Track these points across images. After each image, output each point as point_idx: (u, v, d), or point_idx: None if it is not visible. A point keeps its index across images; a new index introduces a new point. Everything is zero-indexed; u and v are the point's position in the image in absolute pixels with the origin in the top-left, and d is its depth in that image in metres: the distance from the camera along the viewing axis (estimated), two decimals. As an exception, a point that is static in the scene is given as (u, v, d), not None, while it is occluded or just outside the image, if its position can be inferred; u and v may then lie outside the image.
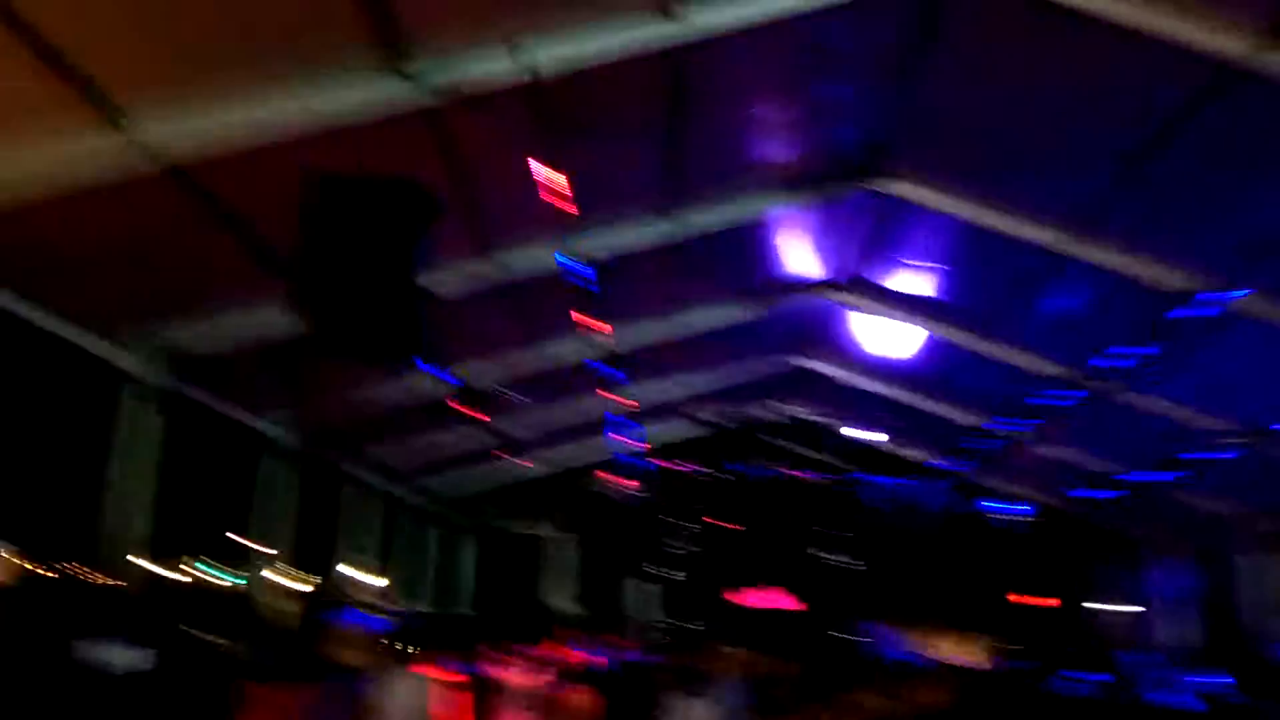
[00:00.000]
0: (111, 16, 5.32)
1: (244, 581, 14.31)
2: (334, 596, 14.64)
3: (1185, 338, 8.84)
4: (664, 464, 16.96)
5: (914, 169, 8.69)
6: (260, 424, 11.82)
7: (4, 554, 5.44)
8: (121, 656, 7.01)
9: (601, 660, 10.60)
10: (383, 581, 16.70)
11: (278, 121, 6.18)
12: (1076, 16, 5.93)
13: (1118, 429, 12.03)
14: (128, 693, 6.88)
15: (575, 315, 10.13)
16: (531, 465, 16.38)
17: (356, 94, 6.17)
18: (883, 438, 15.10)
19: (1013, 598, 16.61)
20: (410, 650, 7.60)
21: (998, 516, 15.63)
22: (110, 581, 8.95)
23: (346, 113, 6.22)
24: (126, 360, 8.91)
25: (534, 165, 7.23)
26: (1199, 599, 15.03)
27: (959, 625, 16.50)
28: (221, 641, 10.88)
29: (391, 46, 5.99)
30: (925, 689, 6.38)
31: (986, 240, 9.12)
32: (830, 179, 8.99)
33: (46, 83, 5.41)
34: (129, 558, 9.18)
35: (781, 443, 17.11)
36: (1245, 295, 8.17)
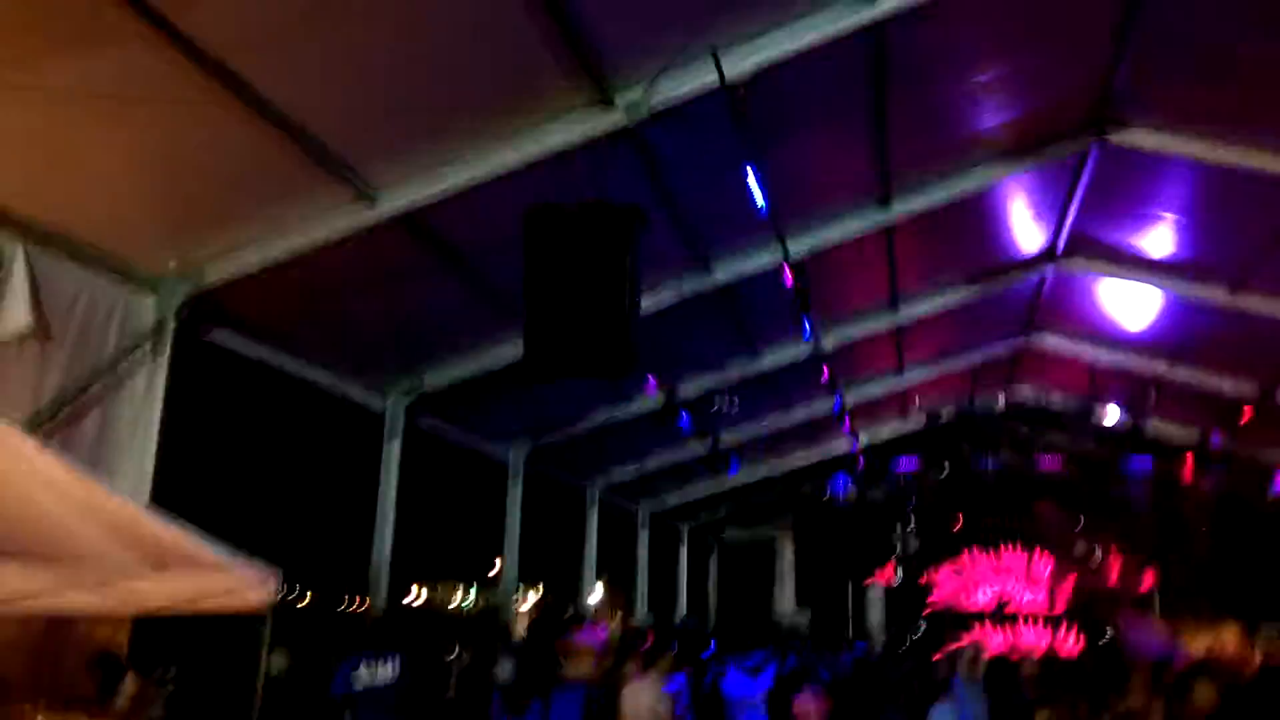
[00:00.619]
0: (349, 99, 5.84)
1: (492, 602, 15.10)
2: (572, 612, 15.21)
3: None
4: (889, 463, 16.41)
5: (1150, 113, 7.97)
6: (499, 452, 12.43)
7: (270, 577, 5.85)
8: (379, 673, 7.50)
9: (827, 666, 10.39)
10: (610, 594, 17.22)
11: (499, 171, 6.57)
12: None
13: None
14: (386, 706, 7.37)
15: (788, 315, 10.02)
16: (747, 472, 16.31)
17: (567, 130, 6.45)
18: (1133, 416, 13.90)
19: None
20: (641, 659, 7.77)
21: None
22: (369, 607, 9.63)
23: (559, 149, 6.51)
24: (377, 402, 9.62)
25: (739, 171, 7.22)
26: None
27: (1236, 617, 14.94)
28: (469, 656, 11.53)
29: (596, 80, 6.22)
30: (1197, 689, 5.73)
31: (1239, 183, 8.25)
32: (1055, 139, 8.42)
33: (297, 161, 6.01)
34: (389, 584, 9.79)
35: (1017, 431, 16.17)
36: None
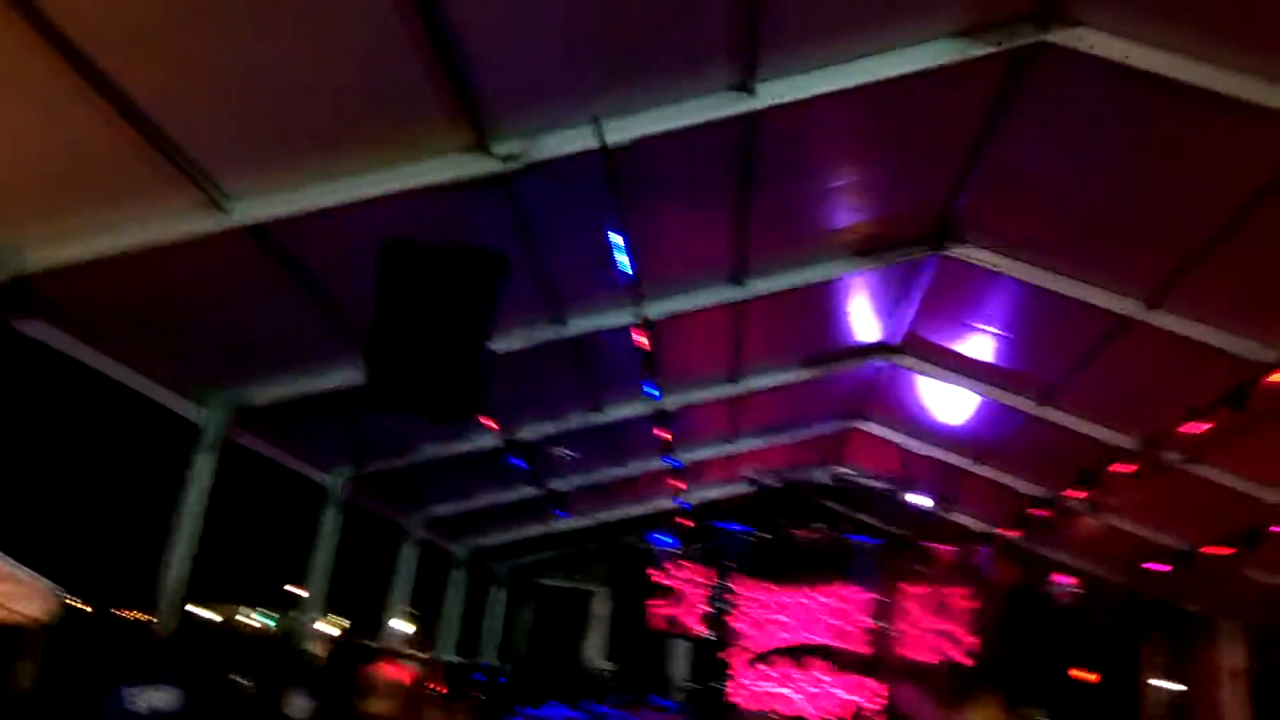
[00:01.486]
0: (214, 104, 5.59)
1: (290, 628, 14.36)
2: (375, 646, 14.65)
3: (1257, 410, 8.61)
4: (711, 524, 16.81)
5: (987, 234, 8.65)
6: (318, 476, 11.95)
7: (49, 591, 5.48)
8: (157, 698, 7.07)
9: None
10: (416, 630, 16.76)
11: (364, 198, 6.39)
12: (1161, 83, 5.90)
13: (1181, 501, 11.72)
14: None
15: (634, 374, 10.18)
16: (573, 520, 16.38)
17: (440, 169, 6.37)
18: (938, 504, 14.79)
19: (1071, 673, 16.14)
20: (446, 700, 7.58)
21: (1053, 588, 15.16)
22: (155, 623, 9.02)
23: (429, 186, 6.41)
24: (195, 413, 9.08)
25: (605, 232, 7.33)
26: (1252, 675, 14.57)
27: (1004, 697, 16.06)
28: (258, 685, 10.91)
29: (476, 125, 6.18)
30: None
31: (1054, 306, 9.04)
32: (901, 244, 8.98)
33: (149, 159, 5.67)
34: (181, 601, 9.24)
35: (833, 505, 16.89)
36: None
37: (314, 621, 12.94)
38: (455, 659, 16.14)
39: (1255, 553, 11.43)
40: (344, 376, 8.95)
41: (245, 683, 11.15)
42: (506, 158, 6.26)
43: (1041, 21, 5.94)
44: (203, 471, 9.20)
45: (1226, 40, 5.66)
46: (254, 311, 7.91)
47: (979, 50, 6.07)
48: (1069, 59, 6.04)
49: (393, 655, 13.31)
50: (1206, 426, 9.31)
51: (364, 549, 14.41)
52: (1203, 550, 12.22)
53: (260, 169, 6.16)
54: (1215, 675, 14.90)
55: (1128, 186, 7.23)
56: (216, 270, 7.00)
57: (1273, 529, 10.73)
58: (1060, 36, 5.96)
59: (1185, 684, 16.21)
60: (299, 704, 9.84)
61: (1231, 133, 6.17)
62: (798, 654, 16.42)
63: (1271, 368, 8.08)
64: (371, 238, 6.26)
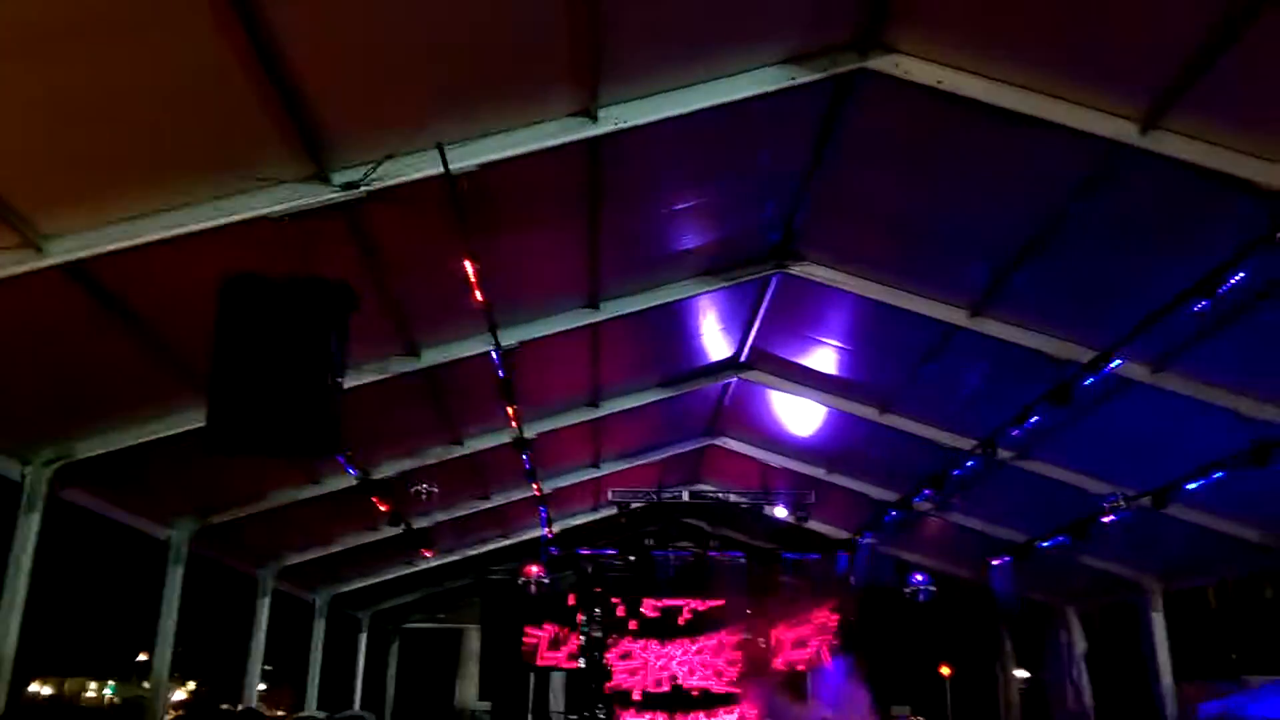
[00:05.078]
0: (23, 134, 5.25)
1: (137, 697, 13.40)
2: (233, 707, 13.86)
3: (1080, 405, 9.26)
4: (579, 550, 16.73)
5: (825, 251, 9.05)
6: (159, 531, 11.26)
7: None
8: None
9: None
10: (279, 686, 16.00)
11: (193, 231, 6.13)
12: (972, 106, 6.32)
13: (1019, 497, 12.47)
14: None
15: (493, 404, 10.07)
16: (438, 558, 16.04)
17: (277, 200, 6.17)
18: (795, 514, 15.21)
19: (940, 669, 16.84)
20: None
21: (912, 587, 15.77)
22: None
23: (266, 216, 6.19)
24: (15, 471, 8.45)
25: (453, 260, 7.25)
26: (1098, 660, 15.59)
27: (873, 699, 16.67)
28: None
29: (314, 154, 6.04)
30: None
31: (891, 318, 9.51)
32: (745, 263, 9.28)
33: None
34: (12, 678, 8.51)
35: (696, 523, 17.13)
36: (1134, 365, 8.67)
37: (164, 688, 12.16)
38: (321, 714, 15.44)
39: (1085, 542, 12.26)
40: (181, 421, 8.51)
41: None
42: (346, 185, 6.12)
43: (861, 50, 6.31)
44: (28, 534, 8.54)
45: (1025, 65, 6.15)
46: (77, 357, 7.44)
47: (806, 76, 6.38)
48: (888, 84, 6.42)
49: (253, 714, 12.63)
50: (1032, 423, 9.92)
51: (216, 605, 13.66)
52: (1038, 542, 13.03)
53: (79, 205, 5.83)
54: (1062, 659, 15.82)
55: (947, 201, 7.72)
56: (32, 314, 6.56)
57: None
58: (878, 63, 6.34)
59: (1035, 670, 17.20)
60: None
61: (1037, 147, 6.68)
62: (673, 702, 16.41)
63: (1089, 367, 8.71)
64: (208, 272, 5.97)
